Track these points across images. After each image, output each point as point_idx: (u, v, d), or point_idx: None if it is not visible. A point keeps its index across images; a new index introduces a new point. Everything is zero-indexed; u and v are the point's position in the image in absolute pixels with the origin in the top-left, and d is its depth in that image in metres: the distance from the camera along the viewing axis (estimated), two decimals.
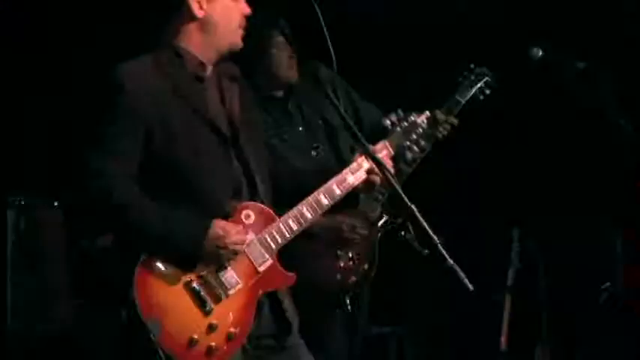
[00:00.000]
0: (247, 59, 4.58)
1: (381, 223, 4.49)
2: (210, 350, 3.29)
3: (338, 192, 3.56)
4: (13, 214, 4.75)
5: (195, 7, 3.40)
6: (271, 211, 3.46)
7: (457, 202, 5.44)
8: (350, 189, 3.57)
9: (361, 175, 3.59)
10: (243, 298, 3.39)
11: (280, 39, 4.50)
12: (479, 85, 4.58)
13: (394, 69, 5.47)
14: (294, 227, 3.49)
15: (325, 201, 3.54)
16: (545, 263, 4.87)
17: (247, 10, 3.48)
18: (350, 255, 4.40)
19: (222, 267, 3.35)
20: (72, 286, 4.88)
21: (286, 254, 4.24)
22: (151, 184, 3.32)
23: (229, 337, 3.33)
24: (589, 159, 5.03)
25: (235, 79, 3.57)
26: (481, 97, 4.57)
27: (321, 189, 3.53)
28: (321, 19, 3.21)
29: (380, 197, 4.49)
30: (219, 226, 3.32)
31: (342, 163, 4.48)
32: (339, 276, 4.39)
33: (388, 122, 3.68)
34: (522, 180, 5.35)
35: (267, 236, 3.44)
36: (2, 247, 4.72)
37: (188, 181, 3.34)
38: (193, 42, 3.44)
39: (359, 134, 3.37)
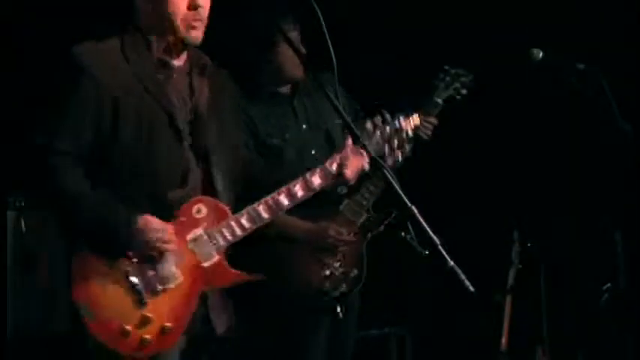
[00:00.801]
0: (253, 54, 4.61)
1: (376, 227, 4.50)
2: (143, 342, 3.27)
3: (300, 193, 3.53)
4: (14, 215, 4.75)
5: None
6: (225, 209, 3.44)
7: (457, 202, 5.44)
8: (313, 191, 3.55)
9: (328, 177, 3.57)
10: (183, 293, 3.36)
11: (288, 36, 4.50)
12: (455, 85, 4.61)
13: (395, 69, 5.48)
14: (247, 225, 3.46)
15: (285, 201, 3.51)
16: (546, 264, 4.86)
17: (199, 2, 3.43)
18: (338, 262, 4.40)
19: (162, 260, 3.33)
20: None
21: (271, 260, 4.28)
22: (97, 166, 3.33)
23: (163, 331, 3.30)
24: (589, 159, 5.02)
25: (204, 71, 3.53)
26: (458, 98, 4.60)
27: (282, 189, 3.50)
28: (322, 19, 3.19)
29: (365, 203, 4.49)
30: (144, 220, 3.31)
31: None
32: (327, 284, 4.39)
33: (370, 126, 3.63)
34: (523, 180, 5.35)
35: (216, 233, 3.41)
36: (2, 248, 4.71)
37: (132, 167, 3.34)
38: (152, 27, 3.44)
39: (359, 135, 3.36)
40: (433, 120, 4.57)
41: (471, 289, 3.09)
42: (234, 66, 4.67)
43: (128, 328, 3.26)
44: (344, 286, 4.42)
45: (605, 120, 4.67)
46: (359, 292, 4.53)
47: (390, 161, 3.65)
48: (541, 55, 4.56)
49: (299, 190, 3.52)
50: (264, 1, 4.45)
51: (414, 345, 5.47)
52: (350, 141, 3.58)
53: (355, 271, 4.44)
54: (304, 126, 4.62)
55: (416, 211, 3.15)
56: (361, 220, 4.50)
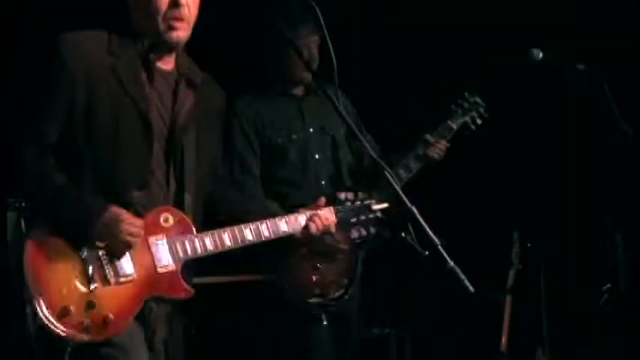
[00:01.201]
0: (264, 53, 4.61)
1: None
2: (85, 327, 3.27)
3: (266, 233, 3.58)
4: (14, 216, 4.74)
5: None
6: (190, 224, 3.45)
7: (458, 203, 5.44)
8: (277, 235, 3.60)
9: (296, 228, 3.64)
10: (132, 292, 3.36)
11: (305, 40, 4.51)
12: (472, 114, 4.66)
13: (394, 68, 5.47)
14: (210, 248, 3.48)
15: (250, 237, 3.55)
16: (546, 264, 4.86)
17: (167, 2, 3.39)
18: (329, 269, 4.39)
19: (121, 253, 3.34)
20: None
21: (268, 261, 4.28)
22: (65, 156, 3.33)
23: (105, 321, 3.30)
24: (589, 160, 5.02)
25: (193, 85, 3.50)
26: (472, 127, 4.65)
27: (250, 224, 3.54)
28: (323, 23, 3.19)
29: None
30: (116, 211, 3.32)
31: (338, 174, 4.54)
32: (317, 290, 4.40)
33: (343, 196, 3.75)
34: (523, 181, 5.34)
35: (178, 243, 3.43)
36: (3, 249, 4.71)
37: (97, 161, 3.32)
38: (140, 26, 3.42)
39: (367, 145, 3.34)
40: (446, 143, 4.62)
41: (471, 289, 3.10)
42: (248, 62, 4.71)
43: (71, 308, 3.26)
44: (331, 293, 4.41)
45: (605, 120, 4.68)
46: (358, 297, 4.54)
47: (355, 235, 3.80)
48: (541, 55, 4.57)
49: (265, 230, 3.57)
50: (282, 3, 4.47)
51: (414, 345, 5.47)
52: (323, 201, 3.72)
53: (345, 281, 4.43)
54: (311, 129, 4.63)
55: (416, 211, 3.15)
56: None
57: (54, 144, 3.32)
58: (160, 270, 3.40)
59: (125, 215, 3.32)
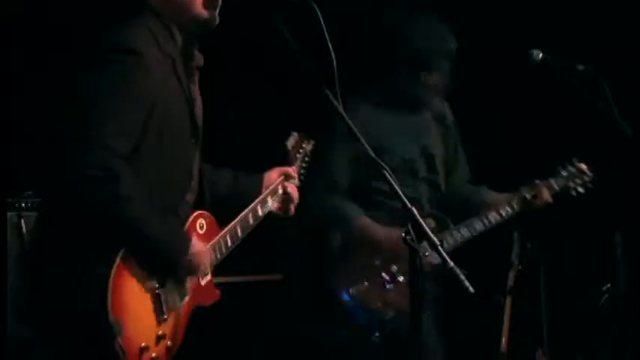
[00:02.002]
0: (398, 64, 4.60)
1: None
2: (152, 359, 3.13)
3: (260, 213, 3.56)
4: (14, 216, 4.75)
5: None
6: (216, 224, 3.40)
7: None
8: (267, 212, 3.60)
9: (277, 196, 3.64)
10: (185, 312, 3.28)
11: (446, 62, 4.55)
12: (575, 180, 4.73)
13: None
14: (230, 244, 3.43)
15: (252, 221, 3.53)
16: (546, 265, 4.86)
17: None
18: (401, 279, 4.36)
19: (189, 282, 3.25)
20: None
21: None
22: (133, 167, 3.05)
23: (168, 350, 3.20)
24: (589, 160, 5.02)
25: (199, 72, 3.37)
26: (573, 194, 4.64)
27: (250, 209, 3.52)
28: (322, 22, 3.19)
29: (445, 246, 4.50)
30: (196, 246, 3.21)
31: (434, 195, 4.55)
32: (379, 304, 4.38)
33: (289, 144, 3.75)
34: (522, 182, 5.34)
35: (212, 251, 3.36)
36: (2, 250, 4.71)
37: (164, 171, 3.17)
38: (171, 15, 3.20)
39: (366, 146, 3.32)
40: (547, 196, 4.67)
41: (471, 290, 3.09)
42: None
43: (147, 345, 3.11)
44: (389, 313, 4.40)
45: (604, 121, 4.68)
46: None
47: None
48: (541, 56, 4.57)
49: (259, 211, 3.56)
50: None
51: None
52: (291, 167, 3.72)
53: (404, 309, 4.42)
54: (418, 149, 4.64)
55: (416, 212, 3.15)
56: (435, 262, 4.50)
57: (128, 154, 3.03)
58: (202, 282, 3.35)
59: (201, 249, 3.24)
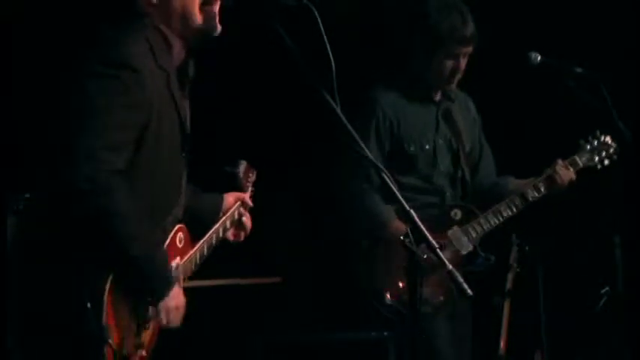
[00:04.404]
0: (418, 53, 4.61)
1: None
2: None
3: (221, 235, 3.55)
4: (14, 219, 4.74)
5: None
6: (190, 240, 3.37)
7: None
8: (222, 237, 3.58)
9: (232, 222, 3.62)
10: (157, 324, 3.26)
11: (466, 50, 4.55)
12: (601, 154, 4.71)
13: None
14: (197, 262, 3.42)
15: (214, 242, 3.51)
16: (544, 267, 4.87)
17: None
18: (427, 281, 4.37)
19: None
20: None
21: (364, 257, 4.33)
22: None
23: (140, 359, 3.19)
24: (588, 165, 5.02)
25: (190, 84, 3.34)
26: (599, 167, 4.64)
27: (213, 230, 3.51)
28: (320, 23, 3.19)
29: (474, 235, 4.53)
30: (175, 298, 3.20)
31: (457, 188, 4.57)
32: (405, 296, 4.38)
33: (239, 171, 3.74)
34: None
35: (182, 268, 3.35)
36: (2, 252, 4.70)
37: (157, 186, 3.16)
38: (167, 27, 3.15)
39: (368, 154, 3.30)
40: (571, 174, 4.68)
41: (469, 292, 3.09)
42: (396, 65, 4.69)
43: (128, 353, 3.10)
44: (427, 308, 4.41)
45: (603, 123, 4.69)
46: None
47: None
48: (539, 58, 4.58)
49: (221, 233, 3.55)
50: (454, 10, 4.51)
51: (413, 349, 5.46)
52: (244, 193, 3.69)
53: (441, 298, 4.42)
54: (441, 141, 4.65)
55: (414, 214, 3.15)
56: (465, 252, 4.53)
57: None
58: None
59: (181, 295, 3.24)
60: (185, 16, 3.18)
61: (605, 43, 5.32)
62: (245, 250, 5.03)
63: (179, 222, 3.34)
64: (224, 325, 5.22)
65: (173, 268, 3.27)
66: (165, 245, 3.25)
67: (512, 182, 4.76)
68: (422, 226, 3.12)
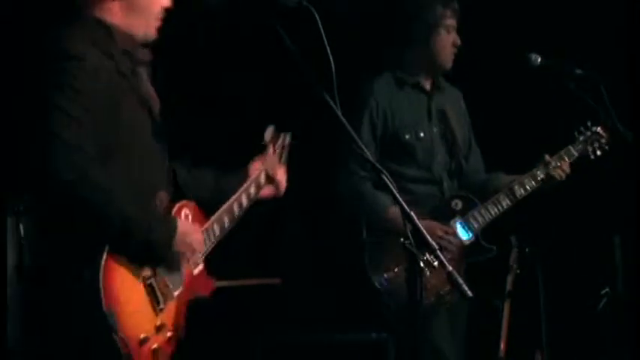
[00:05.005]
0: (406, 35, 4.62)
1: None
2: (155, 352, 3.18)
3: (245, 203, 3.62)
4: (14, 221, 4.73)
5: None
6: (202, 213, 3.43)
7: None
8: (253, 201, 3.68)
9: (259, 185, 3.71)
10: (182, 301, 3.32)
11: (450, 22, 4.55)
12: (593, 145, 4.72)
13: None
14: (218, 233, 3.48)
15: (237, 211, 3.58)
16: (544, 269, 4.86)
17: (167, 3, 3.37)
18: (432, 275, 4.37)
19: (182, 265, 3.30)
20: None
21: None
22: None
23: (169, 339, 3.25)
24: (587, 165, 5.02)
25: (146, 66, 3.41)
26: (592, 157, 4.66)
27: (234, 198, 3.57)
28: (320, 25, 3.19)
29: (475, 226, 4.54)
30: (185, 226, 3.25)
31: (457, 175, 4.59)
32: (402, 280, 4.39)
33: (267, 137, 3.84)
34: None
35: (205, 233, 3.41)
36: (2, 255, 4.70)
37: (130, 165, 3.20)
38: (115, 19, 3.28)
39: (365, 150, 3.30)
40: (567, 166, 4.68)
41: (469, 294, 3.09)
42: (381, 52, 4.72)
43: (147, 335, 3.14)
44: (431, 298, 4.43)
45: (603, 125, 4.69)
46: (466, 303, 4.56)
47: None
48: (539, 60, 4.58)
49: (244, 201, 3.63)
50: None
51: (412, 351, 5.45)
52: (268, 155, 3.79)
53: (447, 288, 4.42)
54: (435, 129, 4.66)
55: (414, 216, 3.14)
56: (467, 242, 4.55)
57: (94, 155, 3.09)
58: (195, 272, 3.40)
59: (191, 228, 3.29)
60: (142, 21, 3.32)
61: (602, 43, 5.31)
62: (244, 252, 5.04)
63: (166, 206, 3.35)
64: (223, 326, 5.21)
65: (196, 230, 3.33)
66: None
67: (505, 177, 4.76)
68: (422, 228, 3.12)
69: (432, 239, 3.38)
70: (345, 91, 3.23)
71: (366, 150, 3.31)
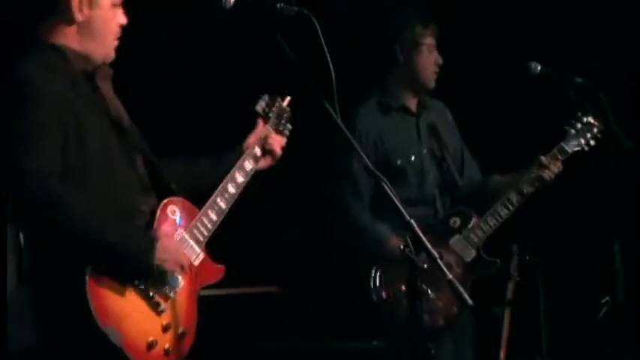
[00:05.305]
0: (389, 58, 4.63)
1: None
2: (167, 351, 3.26)
3: (240, 179, 3.63)
4: (13, 230, 4.72)
5: (76, 9, 3.33)
6: (190, 204, 3.48)
7: None
8: (248, 175, 3.67)
9: (256, 157, 3.72)
10: (187, 296, 3.39)
11: (430, 41, 4.55)
12: (586, 135, 4.64)
13: None
14: (214, 218, 3.51)
15: (232, 189, 3.60)
16: (544, 277, 4.85)
17: (124, 20, 3.43)
18: (439, 296, 4.35)
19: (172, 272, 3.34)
20: None
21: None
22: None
23: (181, 336, 3.32)
24: (587, 173, 5.02)
25: (110, 80, 3.48)
26: (586, 149, 4.63)
27: (227, 178, 3.60)
28: (321, 35, 3.19)
29: (476, 240, 4.54)
30: (164, 244, 3.28)
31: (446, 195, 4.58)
32: (427, 317, 4.37)
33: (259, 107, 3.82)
34: None
35: (195, 230, 3.45)
36: (2, 252, 4.68)
37: (101, 183, 3.25)
38: (71, 43, 3.34)
39: (368, 163, 3.30)
40: (560, 165, 4.66)
41: (470, 302, 3.09)
42: (364, 77, 4.72)
43: (154, 339, 3.23)
44: (441, 321, 4.44)
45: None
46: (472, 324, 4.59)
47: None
48: (539, 68, 4.58)
49: (239, 177, 3.64)
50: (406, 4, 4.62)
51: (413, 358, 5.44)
52: (261, 125, 3.79)
53: (454, 310, 4.40)
54: (424, 149, 4.66)
55: (415, 224, 3.14)
56: (470, 259, 4.52)
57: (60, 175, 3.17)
58: (195, 263, 3.43)
59: (169, 243, 3.33)
60: (99, 43, 3.40)
61: (604, 53, 5.31)
62: (242, 260, 5.02)
63: (151, 214, 3.40)
64: (221, 334, 5.20)
65: (178, 240, 3.38)
66: (154, 226, 3.35)
67: (502, 179, 4.75)
68: (422, 236, 3.12)
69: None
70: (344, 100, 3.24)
71: (365, 158, 3.31)
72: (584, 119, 4.70)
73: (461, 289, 3.11)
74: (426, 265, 3.86)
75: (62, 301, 3.13)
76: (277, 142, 3.81)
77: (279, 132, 3.83)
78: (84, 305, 3.09)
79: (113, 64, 3.48)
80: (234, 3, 3.33)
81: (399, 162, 4.59)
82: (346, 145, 3.29)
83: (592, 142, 4.70)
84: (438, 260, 3.12)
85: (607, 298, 4.82)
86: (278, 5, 3.28)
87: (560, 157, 4.67)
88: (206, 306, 4.94)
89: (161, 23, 5.09)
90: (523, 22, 5.41)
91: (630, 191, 4.96)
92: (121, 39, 3.46)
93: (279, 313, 5.38)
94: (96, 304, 3.10)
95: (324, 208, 4.68)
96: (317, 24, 3.25)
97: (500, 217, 4.60)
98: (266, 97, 3.84)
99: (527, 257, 4.75)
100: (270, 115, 3.83)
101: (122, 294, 3.19)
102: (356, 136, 4.50)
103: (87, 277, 3.11)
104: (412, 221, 3.15)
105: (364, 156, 3.30)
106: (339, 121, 3.32)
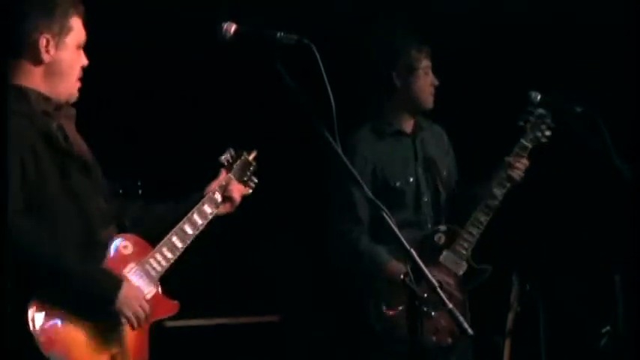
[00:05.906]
0: (384, 82, 4.65)
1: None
2: None
3: (200, 222, 3.69)
4: None
5: (43, 50, 3.39)
6: (144, 241, 3.53)
7: None
8: (207, 218, 3.72)
9: (216, 202, 3.78)
10: (139, 332, 3.42)
11: (426, 63, 4.58)
12: (540, 127, 4.67)
13: None
14: (169, 255, 3.56)
15: (190, 230, 3.65)
16: (545, 307, 4.85)
17: (86, 62, 3.50)
18: (442, 315, 4.34)
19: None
20: None
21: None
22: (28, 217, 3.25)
23: None
24: (588, 202, 5.02)
25: (73, 120, 3.55)
26: (543, 140, 4.64)
27: (185, 219, 3.64)
28: (320, 62, 3.19)
29: (464, 252, 4.54)
30: (130, 284, 3.37)
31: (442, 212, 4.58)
32: (434, 338, 4.37)
33: (224, 158, 3.91)
34: (521, 223, 5.34)
35: (147, 265, 3.50)
36: (2, 253, 4.66)
37: (61, 216, 3.33)
38: (35, 83, 3.41)
39: (363, 185, 3.31)
40: (525, 161, 4.66)
41: (470, 332, 3.08)
42: (361, 104, 4.73)
43: None
44: (449, 340, 4.45)
45: (603, 162, 4.68)
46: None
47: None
48: (539, 97, 4.59)
49: (198, 219, 3.69)
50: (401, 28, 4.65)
51: None
52: (224, 174, 3.88)
53: (457, 330, 4.41)
54: (420, 170, 4.67)
55: (414, 253, 3.14)
56: (462, 271, 4.53)
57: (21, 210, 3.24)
58: (148, 297, 3.46)
59: (134, 289, 3.40)
60: (65, 84, 3.48)
61: (604, 82, 5.32)
62: (243, 289, 5.01)
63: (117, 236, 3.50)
64: None
65: (126, 272, 3.45)
66: (105, 259, 3.42)
67: (475, 188, 4.76)
68: (422, 265, 3.11)
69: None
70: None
71: (365, 186, 3.31)
72: (535, 112, 4.71)
73: (461, 318, 3.10)
74: (426, 295, 3.88)
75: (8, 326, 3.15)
76: (237, 190, 3.89)
77: (242, 182, 3.93)
78: (25, 330, 3.16)
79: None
80: (234, 33, 3.34)
81: (397, 184, 4.60)
82: (346, 173, 3.28)
83: (547, 133, 4.71)
84: (438, 289, 3.11)
85: (608, 327, 4.81)
86: (278, 35, 3.28)
87: (522, 153, 4.68)
88: (207, 335, 4.95)
89: (161, 53, 5.11)
90: (523, 49, 5.43)
91: (630, 220, 4.96)
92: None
93: (280, 343, 5.37)
94: (40, 330, 3.18)
95: (324, 233, 4.67)
96: (317, 53, 3.26)
97: (481, 223, 4.61)
98: (231, 150, 3.95)
99: (527, 286, 4.74)
100: (235, 166, 3.93)
101: (71, 321, 3.26)
102: (356, 161, 4.51)
103: (31, 302, 3.18)
104: (412, 251, 3.13)
105: (364, 185, 3.29)
106: (339, 150, 3.31)
